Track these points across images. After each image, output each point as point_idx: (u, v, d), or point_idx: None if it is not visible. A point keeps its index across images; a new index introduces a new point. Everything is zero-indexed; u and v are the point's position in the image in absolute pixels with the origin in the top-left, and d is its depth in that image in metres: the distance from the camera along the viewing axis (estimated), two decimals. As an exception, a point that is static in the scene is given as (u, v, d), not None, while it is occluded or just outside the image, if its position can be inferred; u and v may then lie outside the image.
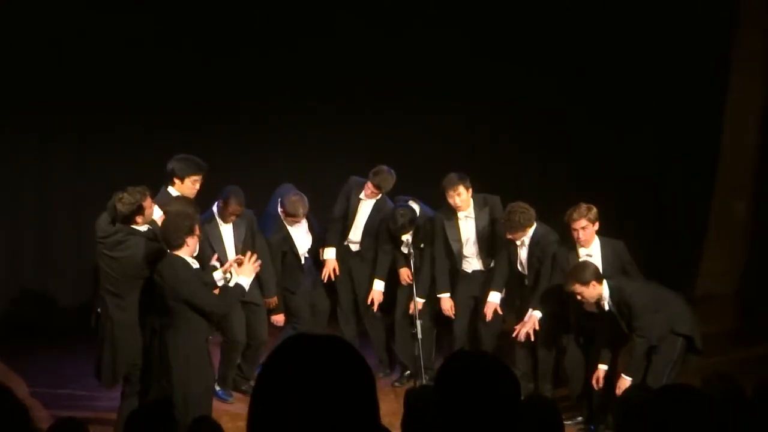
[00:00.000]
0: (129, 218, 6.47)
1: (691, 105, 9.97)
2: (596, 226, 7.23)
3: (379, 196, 8.23)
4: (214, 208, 7.67)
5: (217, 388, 7.88)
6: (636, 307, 6.84)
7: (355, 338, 8.32)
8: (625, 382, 6.82)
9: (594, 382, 7.04)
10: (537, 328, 7.39)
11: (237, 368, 8.02)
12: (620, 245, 7.42)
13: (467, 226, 7.88)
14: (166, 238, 6.05)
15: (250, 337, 7.88)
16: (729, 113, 10.20)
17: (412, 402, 4.24)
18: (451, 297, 7.97)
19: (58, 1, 9.03)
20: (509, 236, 7.52)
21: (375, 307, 8.21)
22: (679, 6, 9.84)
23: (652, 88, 9.98)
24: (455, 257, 7.91)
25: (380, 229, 8.18)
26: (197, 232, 6.14)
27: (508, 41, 9.82)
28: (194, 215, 6.34)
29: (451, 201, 7.78)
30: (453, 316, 7.94)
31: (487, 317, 7.72)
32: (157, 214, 6.90)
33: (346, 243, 8.38)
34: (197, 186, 7.36)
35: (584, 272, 6.80)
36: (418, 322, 7.44)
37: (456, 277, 7.99)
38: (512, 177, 9.68)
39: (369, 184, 8.19)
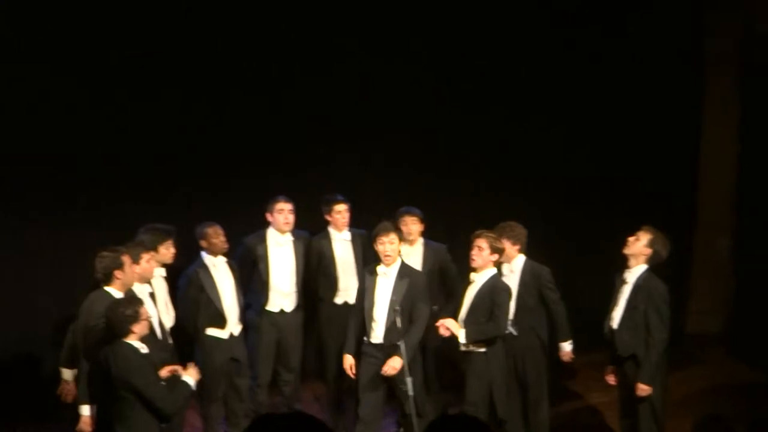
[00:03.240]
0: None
1: (667, 142, 10.05)
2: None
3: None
4: (202, 254, 7.58)
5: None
6: (659, 298, 6.70)
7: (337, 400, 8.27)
8: (644, 390, 6.61)
9: None
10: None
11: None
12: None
13: (384, 285, 7.36)
14: (111, 329, 5.99)
15: (234, 400, 7.70)
16: (705, 149, 10.30)
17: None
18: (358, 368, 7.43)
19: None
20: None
21: None
22: (651, 44, 9.96)
23: (627, 127, 10.03)
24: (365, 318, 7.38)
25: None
26: (144, 316, 6.06)
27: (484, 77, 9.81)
28: (137, 300, 6.25)
29: (381, 248, 7.27)
30: (352, 376, 7.48)
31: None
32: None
33: (342, 301, 8.16)
34: (172, 250, 7.28)
35: (661, 241, 6.83)
36: (408, 380, 7.37)
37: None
38: (489, 210, 9.12)
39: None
